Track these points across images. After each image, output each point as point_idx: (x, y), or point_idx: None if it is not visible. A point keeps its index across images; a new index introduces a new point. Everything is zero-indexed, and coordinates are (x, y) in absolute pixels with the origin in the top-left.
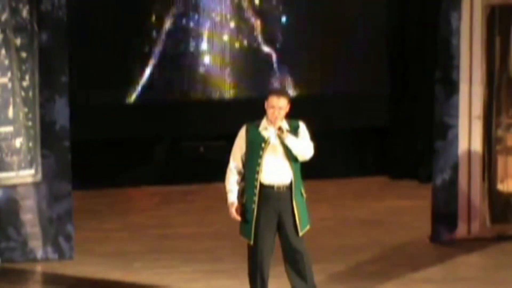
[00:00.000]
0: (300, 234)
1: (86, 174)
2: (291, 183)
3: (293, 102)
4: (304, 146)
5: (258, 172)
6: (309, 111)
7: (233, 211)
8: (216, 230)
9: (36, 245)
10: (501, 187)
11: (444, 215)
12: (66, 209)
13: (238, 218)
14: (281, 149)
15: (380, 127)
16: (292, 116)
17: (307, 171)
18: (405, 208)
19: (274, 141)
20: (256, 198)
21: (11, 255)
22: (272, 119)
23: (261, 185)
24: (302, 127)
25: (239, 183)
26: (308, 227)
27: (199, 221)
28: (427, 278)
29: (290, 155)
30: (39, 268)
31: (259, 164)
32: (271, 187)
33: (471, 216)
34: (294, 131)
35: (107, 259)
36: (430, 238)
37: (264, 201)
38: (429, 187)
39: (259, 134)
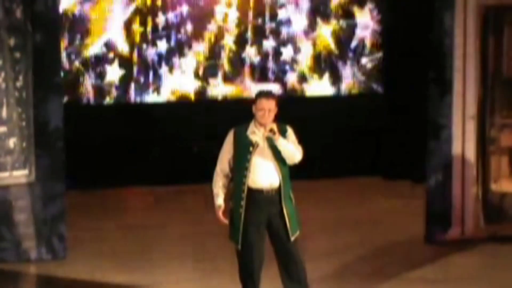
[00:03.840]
0: (292, 239)
1: (80, 174)
2: (279, 187)
3: (289, 103)
4: (294, 149)
5: (245, 176)
6: (304, 112)
7: (220, 215)
8: (211, 230)
9: (30, 245)
10: (494, 187)
11: (438, 215)
12: (59, 209)
13: (225, 221)
14: (269, 153)
15: (374, 127)
16: (288, 116)
17: (301, 171)
18: (399, 208)
19: (262, 144)
20: (243, 203)
21: (4, 255)
22: (262, 122)
23: (249, 189)
24: (290, 131)
25: (226, 187)
26: (298, 232)
27: (193, 220)
28: (421, 278)
29: (278, 159)
30: (32, 268)
31: (246, 168)
32: (259, 191)
33: (464, 216)
34: (282, 135)
35: (101, 259)
36: (424, 238)
37: (252, 205)
38: (423, 187)
39: (247, 137)
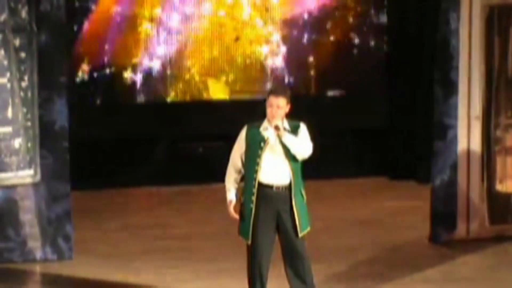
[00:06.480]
0: (300, 235)
1: (85, 174)
2: (290, 183)
3: (292, 102)
4: (301, 144)
5: (256, 172)
6: (308, 112)
7: (231, 210)
8: (215, 230)
9: (35, 246)
10: (500, 187)
11: (443, 216)
12: (65, 210)
13: (236, 216)
14: (280, 149)
15: (379, 127)
16: (292, 116)
17: (306, 171)
18: (404, 209)
19: (273, 140)
20: (254, 198)
21: (10, 255)
22: (269, 118)
23: (260, 184)
24: (303, 127)
25: (238, 182)
26: (308, 229)
27: (198, 221)
28: (426, 278)
29: (289, 155)
30: (38, 268)
31: (257, 164)
32: (269, 187)
33: (470, 217)
34: (294, 131)
35: (106, 259)
36: (429, 239)
37: (262, 201)
38: (427, 187)
39: (259, 133)
